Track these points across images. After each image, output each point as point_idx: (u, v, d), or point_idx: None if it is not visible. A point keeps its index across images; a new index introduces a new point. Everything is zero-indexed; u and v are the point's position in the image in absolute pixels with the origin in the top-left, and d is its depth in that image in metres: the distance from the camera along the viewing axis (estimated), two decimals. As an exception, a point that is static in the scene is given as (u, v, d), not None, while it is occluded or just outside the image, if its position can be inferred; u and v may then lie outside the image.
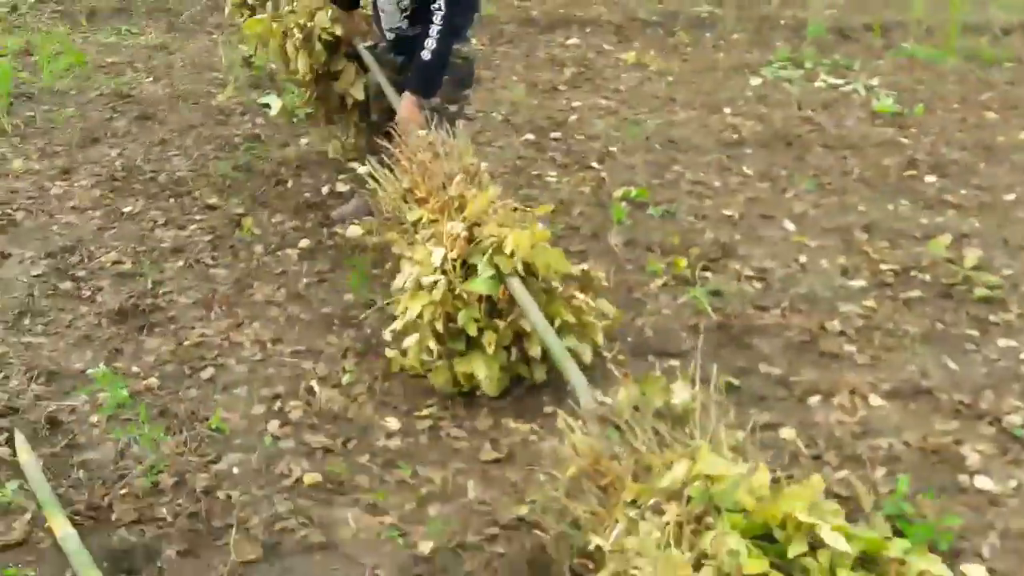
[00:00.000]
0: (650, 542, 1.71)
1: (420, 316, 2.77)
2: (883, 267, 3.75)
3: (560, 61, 6.48)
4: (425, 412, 2.82)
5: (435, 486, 2.52)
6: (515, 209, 2.99)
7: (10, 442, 2.58)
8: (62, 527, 2.19)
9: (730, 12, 7.68)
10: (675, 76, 6.22)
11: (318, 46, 3.95)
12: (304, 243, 3.84)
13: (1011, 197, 4.49)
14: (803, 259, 3.83)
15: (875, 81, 6.17)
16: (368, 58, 3.84)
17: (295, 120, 5.00)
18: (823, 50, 6.83)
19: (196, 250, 3.78)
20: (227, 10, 4.78)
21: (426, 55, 3.42)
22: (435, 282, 2.72)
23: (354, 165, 3.80)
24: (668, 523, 1.73)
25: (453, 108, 3.62)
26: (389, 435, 2.73)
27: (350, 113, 4.16)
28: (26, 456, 2.47)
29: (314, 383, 2.94)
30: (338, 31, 3.96)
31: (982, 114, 5.68)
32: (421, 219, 3.01)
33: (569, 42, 6.96)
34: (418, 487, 2.52)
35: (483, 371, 2.76)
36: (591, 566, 1.96)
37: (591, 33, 7.19)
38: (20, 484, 2.43)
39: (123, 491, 2.45)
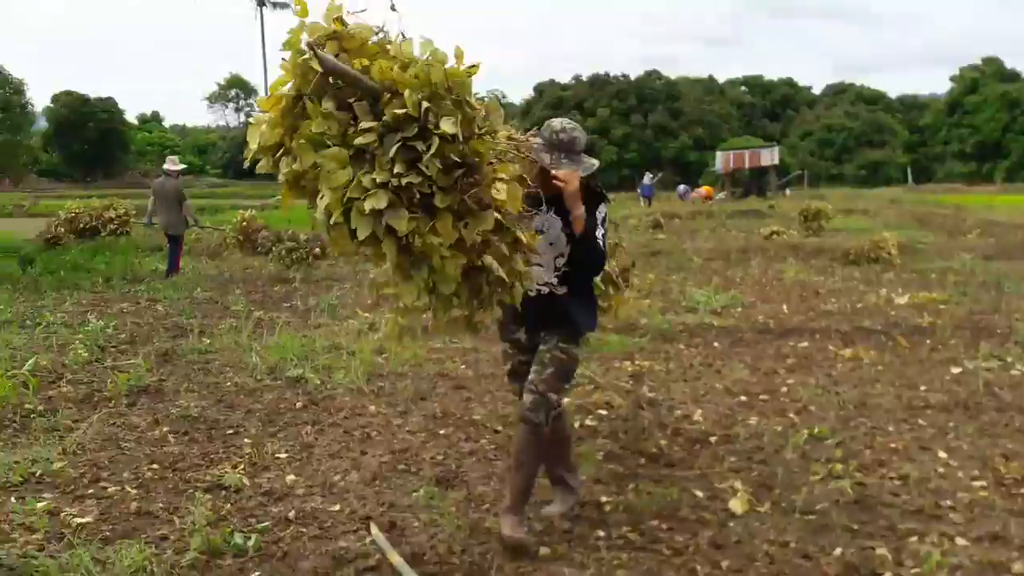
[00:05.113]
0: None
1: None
2: (1006, 477, 4.68)
3: (784, 355, 7.88)
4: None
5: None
6: None
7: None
8: None
9: (947, 321, 8.82)
10: (884, 366, 7.40)
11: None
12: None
13: None
14: (942, 471, 4.84)
15: (1071, 369, 7.02)
16: None
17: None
18: (1030, 349, 7.76)
19: (484, 452, 5.42)
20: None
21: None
22: None
23: None
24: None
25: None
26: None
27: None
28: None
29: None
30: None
31: None
32: None
33: (800, 345, 8.34)
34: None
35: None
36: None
37: (819, 339, 8.56)
38: None
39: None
